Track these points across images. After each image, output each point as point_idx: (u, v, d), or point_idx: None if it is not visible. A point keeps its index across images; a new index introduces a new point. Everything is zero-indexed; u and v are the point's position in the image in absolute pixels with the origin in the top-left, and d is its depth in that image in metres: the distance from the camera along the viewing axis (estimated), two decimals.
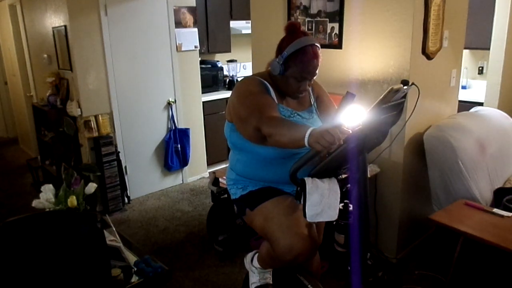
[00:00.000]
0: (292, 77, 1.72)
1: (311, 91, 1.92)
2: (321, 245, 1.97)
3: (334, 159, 1.55)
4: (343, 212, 1.70)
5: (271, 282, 2.00)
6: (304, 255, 1.71)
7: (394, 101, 1.54)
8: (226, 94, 4.87)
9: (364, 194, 1.62)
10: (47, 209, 1.94)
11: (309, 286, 1.90)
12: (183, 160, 4.51)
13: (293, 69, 1.70)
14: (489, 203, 2.69)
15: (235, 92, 1.77)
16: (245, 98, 1.69)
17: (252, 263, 2.04)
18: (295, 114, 1.82)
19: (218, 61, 5.23)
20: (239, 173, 1.90)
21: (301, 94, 1.79)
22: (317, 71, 1.73)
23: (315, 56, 1.70)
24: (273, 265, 1.94)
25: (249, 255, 2.09)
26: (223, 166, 4.50)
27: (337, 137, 1.31)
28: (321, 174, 1.61)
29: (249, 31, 3.66)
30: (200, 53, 4.70)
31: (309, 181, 1.57)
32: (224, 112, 1.91)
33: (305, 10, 2.98)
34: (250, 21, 3.48)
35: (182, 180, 4.67)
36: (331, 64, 2.92)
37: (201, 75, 4.68)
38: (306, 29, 2.98)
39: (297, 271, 1.99)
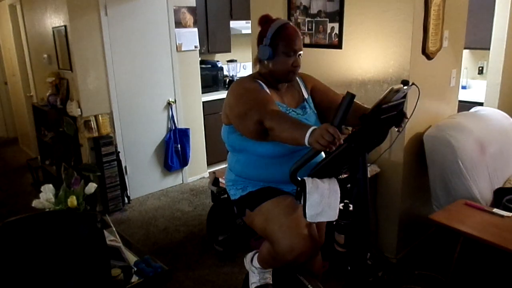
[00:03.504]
0: (283, 54, 1.73)
1: (303, 86, 1.92)
2: (322, 245, 1.97)
3: (334, 159, 1.55)
4: (343, 212, 1.70)
5: (271, 282, 2.00)
6: (305, 255, 1.71)
7: (394, 101, 1.54)
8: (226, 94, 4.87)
9: (364, 194, 1.62)
10: (47, 209, 1.94)
11: (309, 286, 1.90)
12: (183, 160, 4.51)
13: (281, 45, 1.72)
14: (489, 203, 2.69)
15: (230, 93, 1.78)
16: (242, 95, 1.71)
17: (252, 263, 2.04)
18: (290, 111, 1.82)
19: (218, 61, 5.23)
20: (238, 173, 1.90)
21: (296, 70, 1.78)
22: (302, 45, 1.78)
23: (295, 30, 1.77)
24: (273, 265, 1.94)
25: (249, 255, 2.09)
26: (223, 166, 4.50)
27: (337, 136, 1.31)
28: (321, 174, 1.61)
29: (249, 31, 3.66)
30: (200, 53, 4.70)
31: (309, 181, 1.57)
32: None
33: (305, 10, 2.98)
34: (250, 21, 3.48)
35: (182, 180, 4.67)
36: (331, 64, 2.92)
37: (201, 75, 4.68)
38: (306, 29, 2.99)
39: (297, 271, 1.99)
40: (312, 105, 1.90)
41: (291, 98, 1.87)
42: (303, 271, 1.98)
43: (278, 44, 1.73)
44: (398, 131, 1.67)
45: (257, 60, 1.84)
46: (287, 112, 1.80)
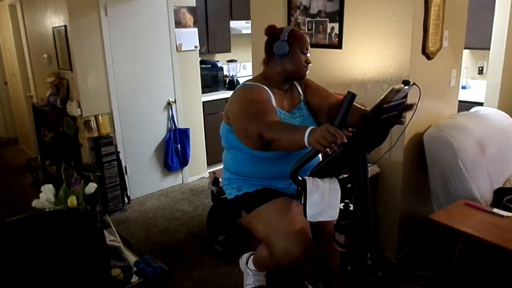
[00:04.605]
0: (298, 50, 1.81)
1: (299, 87, 1.96)
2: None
3: (335, 159, 1.55)
4: (344, 212, 1.70)
5: (265, 284, 2.01)
6: (299, 259, 1.73)
7: (395, 101, 1.54)
8: (226, 94, 4.87)
9: (365, 194, 1.63)
10: (47, 209, 1.94)
11: (309, 286, 1.90)
12: (183, 160, 4.51)
13: (297, 43, 1.81)
14: (489, 203, 2.69)
15: (236, 101, 1.78)
16: (246, 108, 1.70)
17: (247, 265, 2.05)
18: (288, 116, 1.85)
19: (218, 61, 5.23)
20: (233, 171, 1.92)
21: (308, 67, 1.86)
22: None
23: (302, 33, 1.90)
24: (268, 268, 1.95)
25: (245, 256, 2.10)
26: (223, 166, 4.49)
27: (339, 136, 1.31)
28: (321, 173, 1.61)
29: (249, 31, 3.66)
30: (200, 53, 4.70)
31: (309, 181, 1.57)
32: None
33: (305, 10, 2.98)
34: (250, 21, 3.48)
35: (182, 180, 4.67)
36: (331, 64, 2.92)
37: (201, 75, 4.68)
38: (306, 29, 2.99)
39: (299, 272, 1.99)
40: (306, 106, 1.93)
41: (291, 99, 1.91)
42: (317, 271, 1.99)
43: (294, 42, 1.80)
44: (398, 122, 1.66)
45: (265, 61, 1.86)
46: (285, 117, 1.83)
